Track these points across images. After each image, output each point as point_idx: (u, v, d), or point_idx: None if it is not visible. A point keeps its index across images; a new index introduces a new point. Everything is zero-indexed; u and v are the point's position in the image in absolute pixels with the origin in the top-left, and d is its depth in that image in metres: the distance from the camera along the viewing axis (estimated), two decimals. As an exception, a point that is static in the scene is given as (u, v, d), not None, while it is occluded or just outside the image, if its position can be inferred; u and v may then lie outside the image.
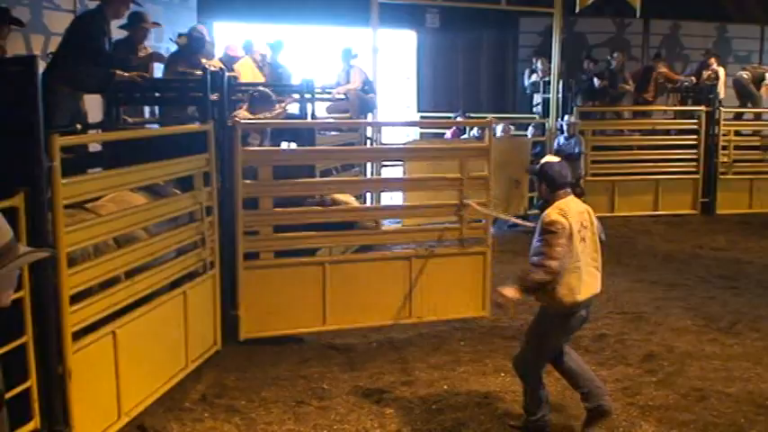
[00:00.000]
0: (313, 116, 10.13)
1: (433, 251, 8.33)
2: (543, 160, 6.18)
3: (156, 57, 9.50)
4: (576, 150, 13.21)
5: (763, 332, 8.25)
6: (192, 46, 10.27)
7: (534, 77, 16.10)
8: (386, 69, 15.54)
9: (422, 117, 16.28)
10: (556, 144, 13.25)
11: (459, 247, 8.45)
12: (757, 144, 15.72)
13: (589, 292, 5.63)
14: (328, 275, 7.94)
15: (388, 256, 8.81)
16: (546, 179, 5.76)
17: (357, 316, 8.04)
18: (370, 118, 12.42)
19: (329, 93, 12.12)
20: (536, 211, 14.23)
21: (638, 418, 6.20)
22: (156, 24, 9.77)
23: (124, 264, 5.92)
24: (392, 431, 6.03)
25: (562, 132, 13.49)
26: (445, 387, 6.81)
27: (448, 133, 14.38)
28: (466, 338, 8.05)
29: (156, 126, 9.96)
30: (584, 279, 5.58)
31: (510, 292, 5.56)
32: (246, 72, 11.43)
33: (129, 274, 6.00)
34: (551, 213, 5.61)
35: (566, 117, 13.43)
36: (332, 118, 12.04)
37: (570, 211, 5.62)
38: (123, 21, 8.76)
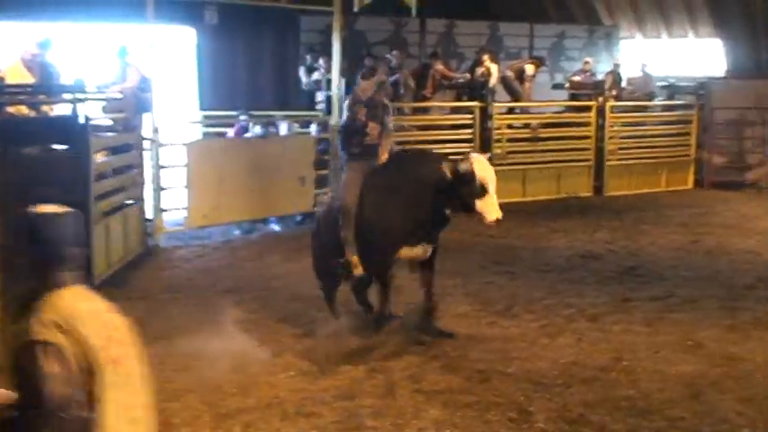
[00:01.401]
0: (86, 117, 9.70)
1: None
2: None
3: None
4: None
5: (538, 314, 8.70)
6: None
7: (316, 75, 16.17)
8: (164, 67, 15.13)
9: (204, 116, 15.99)
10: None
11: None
12: (528, 136, 16.59)
13: None
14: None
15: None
16: None
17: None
18: (148, 117, 12.07)
19: (104, 92, 11.65)
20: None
21: (423, 404, 6.34)
22: None
23: None
24: None
25: None
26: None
27: (231, 131, 14.18)
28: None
29: None
30: None
31: None
32: (14, 73, 10.79)
33: None
34: None
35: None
36: (108, 118, 11.60)
37: None
38: None
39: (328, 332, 8.04)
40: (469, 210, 7.41)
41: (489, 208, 7.31)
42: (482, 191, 7.28)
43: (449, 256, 11.44)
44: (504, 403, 6.37)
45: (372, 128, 7.92)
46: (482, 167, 7.35)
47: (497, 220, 7.35)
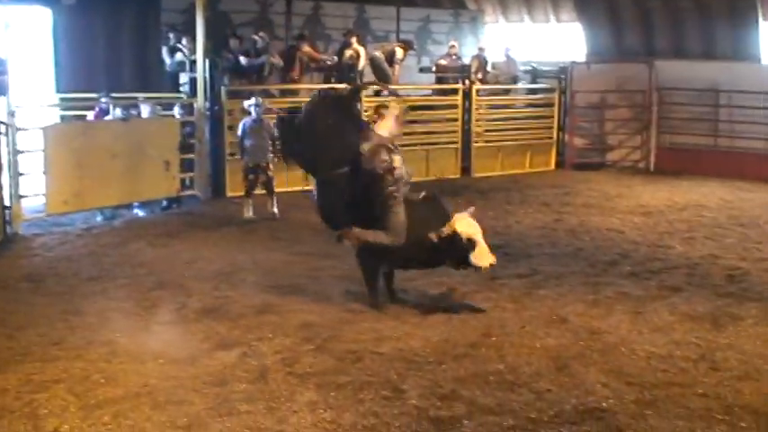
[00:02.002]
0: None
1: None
2: None
3: None
4: (267, 135, 12.88)
5: (410, 293, 8.76)
6: None
7: (180, 56, 15.78)
8: (20, 48, 14.49)
9: (61, 99, 15.37)
10: (242, 127, 12.86)
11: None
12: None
13: None
14: None
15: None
16: None
17: None
18: (3, 101, 11.54)
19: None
20: (194, 192, 14.08)
21: (297, 386, 6.30)
22: None
23: None
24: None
25: (250, 114, 13.02)
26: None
27: (90, 114, 13.69)
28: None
29: None
30: None
31: None
32: None
33: None
34: None
35: (252, 99, 13.09)
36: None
37: None
38: None
39: (198, 319, 7.90)
40: (466, 264, 7.97)
41: (482, 257, 7.90)
42: (471, 245, 7.86)
43: (322, 238, 11.45)
44: (378, 382, 6.39)
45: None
46: (465, 225, 7.88)
47: (491, 265, 7.95)
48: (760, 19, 18.08)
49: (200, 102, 14.20)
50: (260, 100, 13.10)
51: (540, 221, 12.83)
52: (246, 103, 13.03)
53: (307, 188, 14.76)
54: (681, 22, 19.23)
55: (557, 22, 22.19)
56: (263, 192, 12.94)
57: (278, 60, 15.98)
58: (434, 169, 16.69)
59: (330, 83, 16.63)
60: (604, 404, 6.05)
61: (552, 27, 22.27)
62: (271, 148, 12.75)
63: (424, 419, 5.77)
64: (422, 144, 16.73)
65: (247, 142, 12.67)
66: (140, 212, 13.22)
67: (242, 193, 13.10)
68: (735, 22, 18.41)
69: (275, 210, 12.77)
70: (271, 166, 12.84)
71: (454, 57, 18.54)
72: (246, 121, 12.80)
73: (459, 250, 7.90)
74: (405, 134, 16.36)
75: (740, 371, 6.71)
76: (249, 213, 12.67)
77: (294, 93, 16.31)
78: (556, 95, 18.59)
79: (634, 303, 8.47)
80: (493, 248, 10.69)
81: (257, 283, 9.15)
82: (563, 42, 21.70)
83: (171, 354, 6.99)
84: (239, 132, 12.83)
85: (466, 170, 17.26)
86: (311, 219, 12.67)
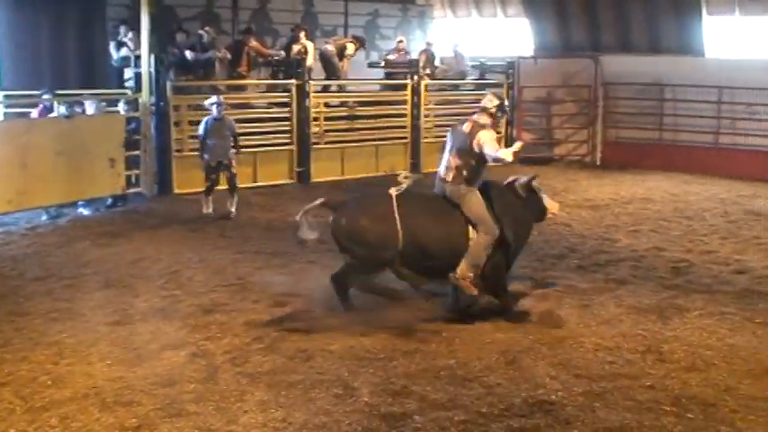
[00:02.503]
0: None
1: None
2: None
3: None
4: (229, 133, 12.76)
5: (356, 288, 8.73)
6: None
7: (125, 51, 15.55)
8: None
9: (5, 96, 15.05)
10: (204, 125, 12.68)
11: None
12: (345, 114, 16.66)
13: None
14: None
15: None
16: None
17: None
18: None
19: None
20: (140, 189, 13.90)
21: (247, 386, 6.26)
22: None
23: None
24: None
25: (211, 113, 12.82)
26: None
27: (35, 112, 13.44)
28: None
29: None
30: None
31: None
32: None
33: None
34: None
35: (214, 97, 12.87)
36: None
37: None
38: None
39: (145, 319, 7.81)
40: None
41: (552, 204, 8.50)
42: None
43: (270, 235, 11.44)
44: (329, 380, 6.38)
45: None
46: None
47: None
48: (704, 13, 18.37)
49: (145, 97, 14.01)
50: (221, 98, 12.92)
51: (489, 216, 12.84)
52: (208, 102, 12.84)
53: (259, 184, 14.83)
54: (626, 17, 19.46)
55: (504, 17, 22.34)
56: (225, 188, 12.80)
57: (225, 54, 15.81)
58: (384, 165, 16.68)
59: (278, 78, 16.55)
60: (553, 397, 6.12)
61: (500, 22, 22.41)
62: (233, 146, 12.66)
63: (376, 416, 5.77)
64: (371, 140, 16.70)
65: (209, 141, 12.53)
66: (85, 211, 13.01)
67: (193, 190, 12.96)
68: (679, 17, 18.69)
69: (233, 209, 12.66)
70: (233, 162, 12.73)
71: (402, 52, 18.54)
72: (208, 119, 12.63)
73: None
74: (354, 130, 16.54)
75: (687, 362, 6.82)
76: (208, 209, 12.55)
77: (241, 88, 16.18)
78: (504, 90, 18.68)
79: (581, 296, 8.56)
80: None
81: (205, 282, 9.07)
82: (510, 37, 21.84)
83: (118, 354, 6.91)
84: (201, 131, 12.66)
85: (416, 166, 17.27)
86: (259, 216, 12.69)
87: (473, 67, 19.37)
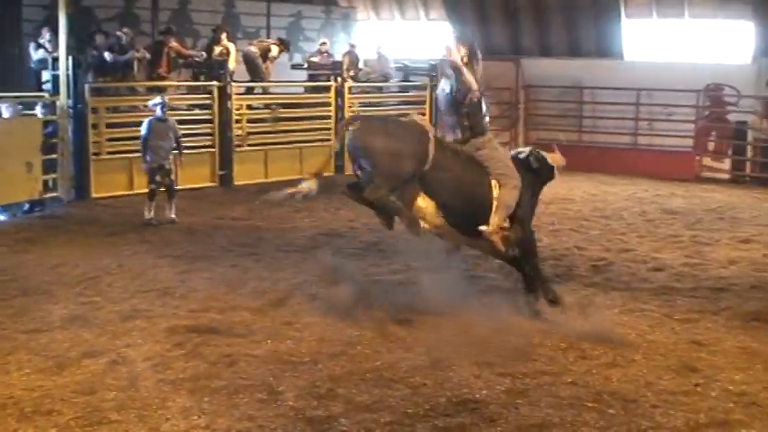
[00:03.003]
0: None
1: None
2: None
3: None
4: (172, 134, 12.54)
5: (284, 294, 8.67)
6: None
7: (41, 53, 15.19)
8: None
9: None
10: (147, 126, 12.40)
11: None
12: (268, 116, 16.55)
13: None
14: None
15: None
16: None
17: None
18: None
19: None
20: (57, 194, 13.58)
21: (170, 393, 6.15)
22: None
23: None
24: None
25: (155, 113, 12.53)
26: None
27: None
28: None
29: None
30: None
31: None
32: None
33: None
34: None
35: (158, 98, 12.58)
36: None
37: None
38: None
39: (64, 326, 7.62)
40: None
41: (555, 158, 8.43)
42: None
43: (192, 239, 11.30)
44: (253, 385, 6.31)
45: None
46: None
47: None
48: (623, 16, 18.78)
49: (62, 100, 13.69)
50: (166, 99, 12.73)
51: (413, 217, 12.90)
52: (151, 103, 12.67)
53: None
54: (546, 20, 19.78)
55: (427, 20, 22.47)
56: (163, 191, 12.52)
57: (144, 54, 15.57)
58: (309, 167, 16.58)
59: (199, 80, 16.36)
60: (478, 395, 6.16)
61: (422, 25, 22.53)
62: (174, 148, 12.51)
63: (301, 420, 5.73)
64: (295, 142, 16.62)
65: (152, 142, 12.29)
66: (2, 216, 12.67)
67: (111, 194, 12.69)
68: (598, 20, 19.08)
69: (173, 215, 12.42)
70: (173, 167, 12.55)
71: (326, 54, 18.52)
72: (151, 120, 12.40)
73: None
74: (278, 132, 16.43)
75: (607, 358, 6.94)
76: (150, 214, 12.28)
77: (161, 90, 15.93)
78: (427, 93, 18.80)
79: (504, 296, 8.63)
80: (367, 245, 10.93)
81: (125, 288, 8.89)
82: (434, 40, 21.95)
83: (37, 363, 6.72)
84: (143, 132, 12.39)
85: (340, 168, 17.24)
86: (181, 219, 12.49)
87: (397, 69, 19.42)
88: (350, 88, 17.54)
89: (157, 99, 12.57)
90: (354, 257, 10.35)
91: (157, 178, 12.36)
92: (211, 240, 11.26)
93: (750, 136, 17.56)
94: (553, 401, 6.06)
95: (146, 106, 13.75)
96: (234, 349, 7.03)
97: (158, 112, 12.37)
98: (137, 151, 12.97)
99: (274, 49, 17.24)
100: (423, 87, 18.91)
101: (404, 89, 19.44)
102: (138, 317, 7.89)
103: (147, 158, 12.36)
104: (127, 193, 13.98)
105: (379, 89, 19.17)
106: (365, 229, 12.08)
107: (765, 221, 12.95)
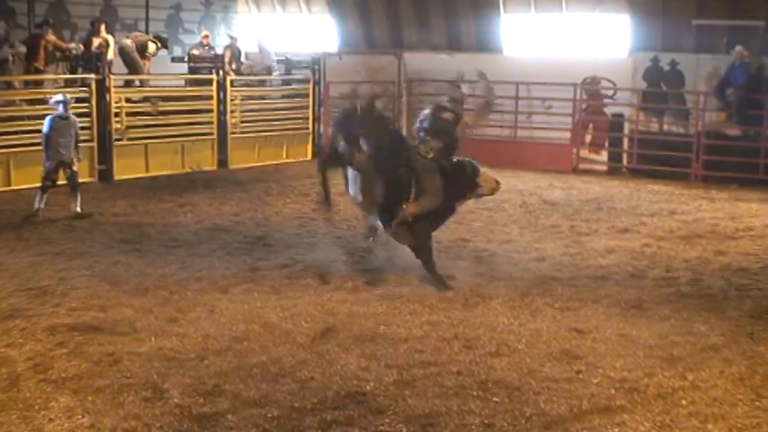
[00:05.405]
0: None
1: None
2: None
3: None
4: (74, 131, 12.23)
5: (169, 289, 8.60)
6: None
7: None
8: None
9: None
10: (48, 123, 11.96)
11: None
12: (148, 110, 16.23)
13: None
14: None
15: None
16: None
17: None
18: None
19: None
20: None
21: (52, 393, 6.02)
22: None
23: None
24: None
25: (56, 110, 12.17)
26: None
27: None
28: None
29: None
30: None
31: None
32: None
33: None
34: None
35: (60, 95, 12.23)
36: None
37: None
38: None
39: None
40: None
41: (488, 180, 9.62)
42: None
43: (72, 236, 11.00)
44: (138, 383, 6.23)
45: None
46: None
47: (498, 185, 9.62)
48: (502, 12, 19.18)
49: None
50: (67, 96, 12.50)
51: (298, 212, 12.95)
52: (53, 100, 12.40)
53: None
54: (426, 14, 20.02)
55: (309, 13, 22.43)
56: (64, 185, 12.28)
57: (19, 46, 15.04)
58: (190, 161, 16.40)
59: (77, 72, 15.90)
60: (366, 388, 6.23)
61: (304, 18, 22.47)
62: (75, 144, 12.25)
63: (187, 418, 5.69)
64: (177, 136, 16.36)
65: (53, 140, 11.95)
66: None
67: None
68: (478, 15, 19.42)
69: (79, 209, 12.12)
70: (75, 161, 12.27)
71: (207, 47, 18.26)
72: (53, 116, 12.12)
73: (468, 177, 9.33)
74: (158, 126, 16.14)
75: (492, 347, 7.12)
76: (40, 205, 11.94)
77: (38, 83, 15.43)
78: (310, 86, 18.80)
79: (387, 289, 8.73)
80: (253, 240, 10.87)
81: (2, 287, 8.61)
82: (315, 33, 21.97)
83: None
84: (45, 129, 12.06)
85: (223, 162, 17.09)
86: (57, 216, 12.12)
87: (279, 62, 19.33)
88: (232, 81, 17.37)
89: (59, 96, 12.40)
90: (240, 252, 10.28)
91: (54, 176, 12.17)
92: (92, 237, 10.99)
93: (626, 128, 18.19)
94: (439, 391, 6.19)
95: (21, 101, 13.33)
96: (117, 347, 6.92)
97: (60, 109, 12.15)
98: (16, 146, 12.58)
99: (151, 46, 16.90)
100: (305, 81, 18.90)
101: (286, 82, 19.37)
102: (18, 316, 7.66)
103: (48, 154, 12.08)
104: (4, 189, 13.49)
105: (262, 82, 19.04)
106: (251, 223, 12.04)
107: (642, 212, 13.39)
